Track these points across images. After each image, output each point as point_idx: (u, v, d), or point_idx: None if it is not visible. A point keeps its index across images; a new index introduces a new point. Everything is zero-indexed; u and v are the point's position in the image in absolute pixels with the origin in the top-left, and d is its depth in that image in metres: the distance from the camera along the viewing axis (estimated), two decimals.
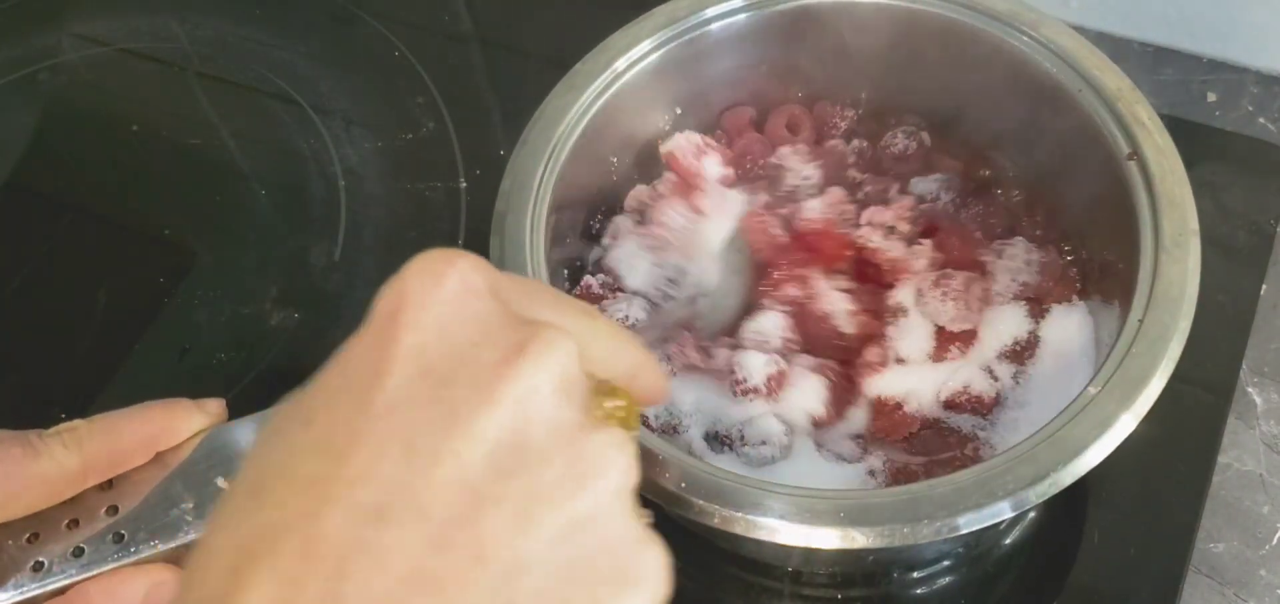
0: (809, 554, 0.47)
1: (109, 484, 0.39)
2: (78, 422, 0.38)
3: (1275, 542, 0.49)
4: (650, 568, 0.28)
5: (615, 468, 0.28)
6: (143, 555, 0.38)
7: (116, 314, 0.63)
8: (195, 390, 0.42)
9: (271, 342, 0.60)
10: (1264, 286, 0.55)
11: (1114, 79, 0.48)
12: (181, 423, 0.40)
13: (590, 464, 0.28)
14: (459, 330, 0.28)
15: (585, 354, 0.30)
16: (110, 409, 0.39)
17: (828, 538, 0.38)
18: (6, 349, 0.62)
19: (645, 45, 0.54)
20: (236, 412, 0.42)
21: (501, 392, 0.27)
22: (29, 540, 0.38)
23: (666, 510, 0.39)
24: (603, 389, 0.31)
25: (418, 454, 0.26)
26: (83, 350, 0.61)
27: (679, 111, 0.57)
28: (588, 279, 0.54)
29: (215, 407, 0.42)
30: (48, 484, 0.37)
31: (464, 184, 0.65)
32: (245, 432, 0.41)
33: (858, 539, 0.38)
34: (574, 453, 0.27)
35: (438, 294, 0.28)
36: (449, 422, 0.26)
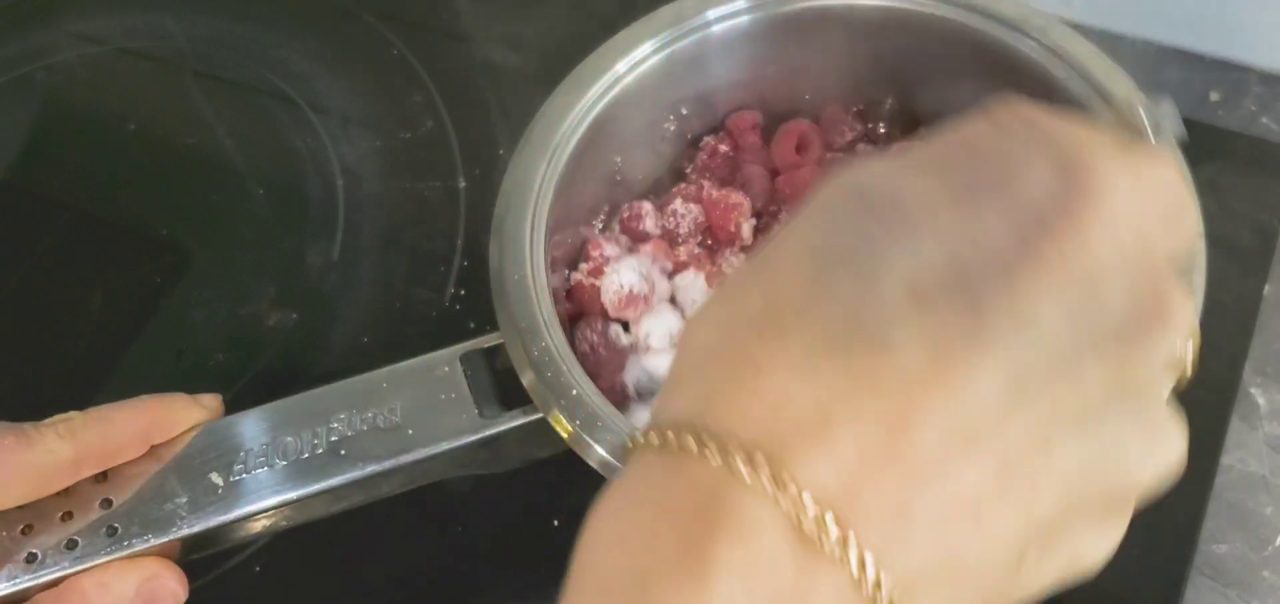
0: None
1: (103, 476, 0.39)
2: (72, 413, 0.38)
3: (1279, 543, 0.49)
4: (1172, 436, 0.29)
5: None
6: (135, 549, 0.38)
7: (112, 315, 0.62)
8: (192, 391, 0.42)
9: (269, 342, 0.60)
10: (1267, 287, 0.55)
11: (1123, 86, 0.48)
12: (177, 416, 0.40)
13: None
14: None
15: None
16: None
17: None
18: (1, 350, 0.62)
19: (647, 46, 0.53)
20: (233, 412, 0.42)
21: None
22: (22, 532, 0.37)
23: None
24: None
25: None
26: (78, 352, 0.61)
27: (684, 113, 0.57)
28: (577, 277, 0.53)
29: (212, 402, 0.42)
30: (41, 474, 0.37)
31: (463, 184, 0.65)
32: (243, 427, 0.41)
33: None
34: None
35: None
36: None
